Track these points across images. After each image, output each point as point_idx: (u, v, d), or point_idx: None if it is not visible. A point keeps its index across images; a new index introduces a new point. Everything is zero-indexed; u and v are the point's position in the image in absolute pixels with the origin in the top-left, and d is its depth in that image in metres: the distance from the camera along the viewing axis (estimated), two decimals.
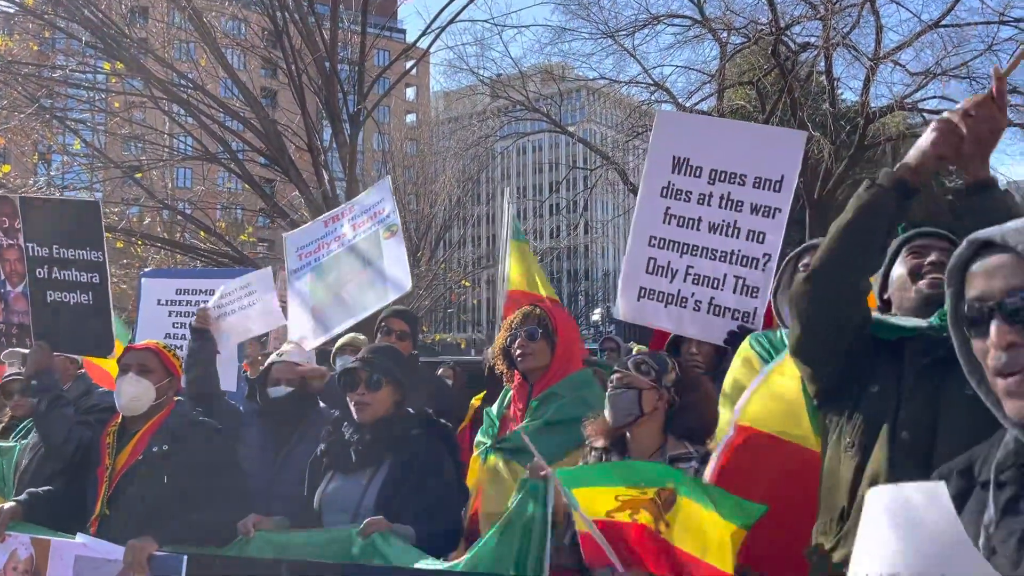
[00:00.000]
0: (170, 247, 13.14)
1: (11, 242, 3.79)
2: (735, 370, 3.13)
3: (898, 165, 2.13)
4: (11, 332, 3.82)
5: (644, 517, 2.40)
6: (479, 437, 3.49)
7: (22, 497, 3.42)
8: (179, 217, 14.66)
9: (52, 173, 14.24)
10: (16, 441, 4.22)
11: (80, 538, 3.14)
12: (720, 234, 3.89)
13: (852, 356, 2.18)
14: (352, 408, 3.23)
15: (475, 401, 4.85)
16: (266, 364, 4.04)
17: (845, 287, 2.14)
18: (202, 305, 3.96)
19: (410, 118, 46.01)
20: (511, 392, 3.53)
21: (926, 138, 2.06)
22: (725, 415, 3.04)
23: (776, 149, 3.87)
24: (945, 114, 2.08)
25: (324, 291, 4.43)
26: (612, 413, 2.81)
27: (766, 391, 2.61)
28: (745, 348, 3.12)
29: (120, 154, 15.98)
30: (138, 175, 13.55)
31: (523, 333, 3.45)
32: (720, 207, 3.90)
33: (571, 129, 23.58)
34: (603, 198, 44.73)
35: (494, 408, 3.56)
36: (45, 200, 4.72)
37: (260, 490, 3.49)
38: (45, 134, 13.47)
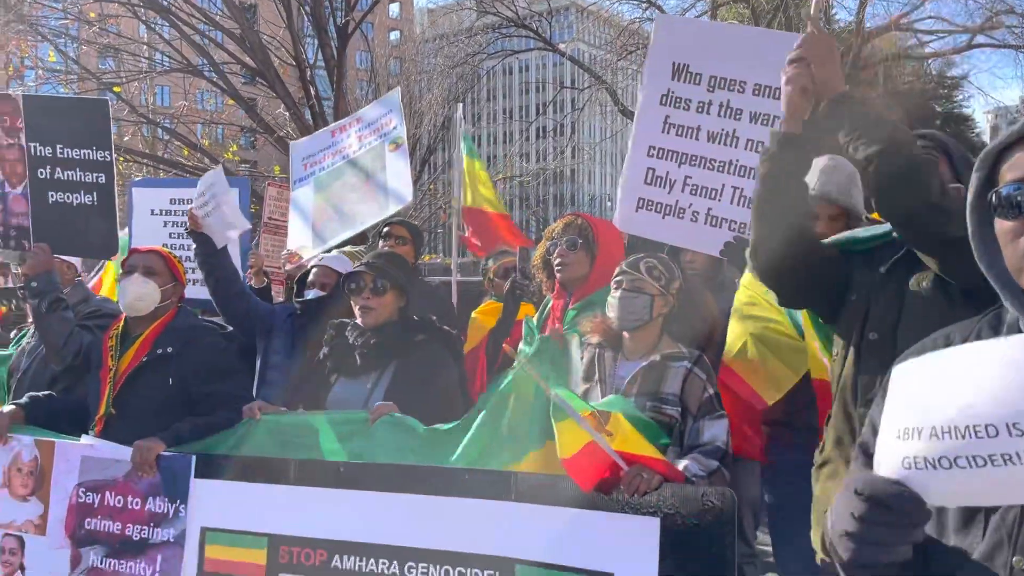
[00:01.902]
0: (154, 163, 12.92)
1: (11, 141, 3.71)
2: (744, 286, 3.19)
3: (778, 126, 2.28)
4: (9, 234, 3.76)
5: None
6: (521, 346, 3.52)
7: (23, 400, 3.45)
8: (160, 133, 14.38)
9: (28, 86, 13.85)
10: (15, 348, 4.24)
11: (86, 439, 3.20)
12: (719, 143, 3.87)
13: (825, 280, 2.29)
14: (357, 312, 3.27)
15: (476, 314, 4.84)
16: (309, 267, 4.10)
17: (782, 255, 2.21)
18: (189, 208, 3.90)
19: (393, 35, 44.83)
20: (551, 302, 3.56)
21: (783, 87, 2.24)
22: (737, 328, 3.12)
23: (777, 54, 3.80)
24: (787, 65, 2.25)
25: (324, 202, 4.41)
26: (620, 315, 2.83)
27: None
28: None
29: (96, 68, 15.53)
30: (116, 89, 13.21)
31: (563, 243, 3.44)
32: (719, 115, 3.87)
33: (561, 47, 23.12)
34: (591, 121, 44.23)
35: (534, 318, 3.59)
36: (51, 98, 4.62)
37: (282, 388, 3.55)
38: (20, 46, 13.06)
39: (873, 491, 1.11)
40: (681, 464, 2.47)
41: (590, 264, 3.44)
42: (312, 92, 11.50)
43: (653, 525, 2.28)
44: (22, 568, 3.16)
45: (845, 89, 2.16)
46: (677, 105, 3.94)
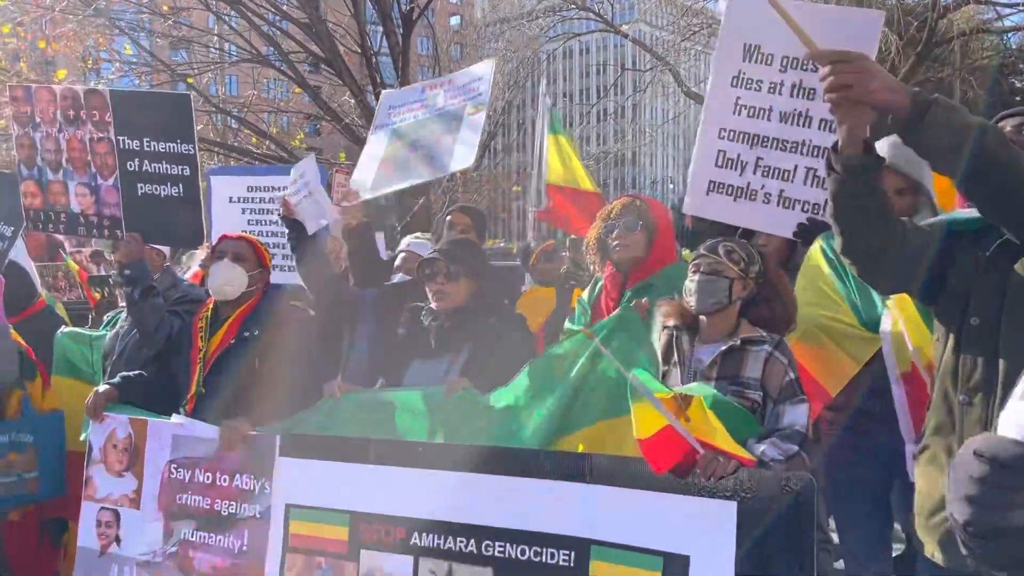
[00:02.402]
0: (225, 151, 13.27)
1: (102, 135, 3.87)
2: (804, 270, 3.16)
3: (834, 145, 2.07)
4: (103, 224, 3.94)
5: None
6: (568, 324, 3.56)
7: (116, 380, 3.62)
8: (230, 122, 14.74)
9: (106, 78, 14.35)
10: (105, 331, 4.44)
11: (176, 418, 3.34)
12: (791, 124, 3.81)
13: (922, 263, 2.17)
14: (431, 297, 3.35)
15: (520, 303, 4.89)
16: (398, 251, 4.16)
17: (873, 252, 2.13)
18: (282, 195, 4.02)
19: (454, 20, 44.94)
20: (602, 281, 3.57)
21: (838, 115, 2.01)
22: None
23: (851, 32, 3.71)
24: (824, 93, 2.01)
25: (395, 150, 4.39)
26: (699, 299, 2.82)
27: None
28: (815, 251, 3.13)
29: (169, 59, 15.99)
30: (188, 80, 13.58)
31: (621, 224, 3.41)
32: (792, 96, 3.81)
33: (623, 28, 22.85)
34: (653, 103, 43.64)
35: (585, 296, 3.62)
36: (136, 93, 4.78)
37: (365, 370, 3.66)
38: (98, 40, 13.51)
39: (995, 452, 1.07)
40: (759, 448, 2.47)
41: (647, 246, 3.42)
42: (377, 79, 11.65)
43: (730, 509, 2.28)
44: (118, 540, 3.33)
45: (915, 97, 1.92)
46: (748, 86, 3.89)
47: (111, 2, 12.96)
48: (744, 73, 3.90)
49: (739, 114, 3.92)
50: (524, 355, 3.37)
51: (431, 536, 2.73)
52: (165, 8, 13.70)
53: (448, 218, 4.49)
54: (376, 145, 4.45)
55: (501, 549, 2.63)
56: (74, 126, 3.93)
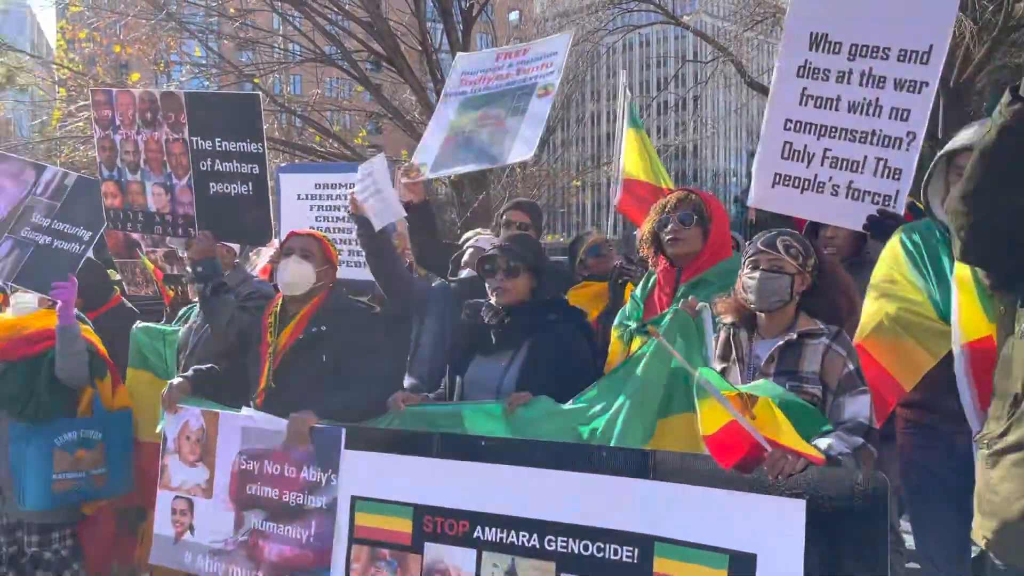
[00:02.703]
0: (290, 149, 13.54)
1: (176, 136, 4.00)
2: (882, 262, 3.06)
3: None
4: (178, 223, 4.08)
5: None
6: (619, 319, 3.54)
7: (189, 373, 3.73)
8: (296, 121, 15.02)
9: (178, 80, 14.78)
10: (178, 326, 4.59)
11: (246, 411, 3.43)
12: (860, 113, 3.72)
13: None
14: (491, 293, 3.36)
15: (570, 295, 4.84)
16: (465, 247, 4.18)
17: (1001, 207, 2.02)
18: (350, 192, 4.08)
19: (513, 16, 44.96)
20: (655, 276, 3.53)
21: None
22: (872, 306, 3.00)
23: (924, 16, 3.62)
24: None
25: (459, 127, 4.33)
26: (760, 297, 2.76)
27: None
28: (894, 243, 3.03)
29: (236, 60, 16.38)
30: (255, 80, 13.89)
31: (676, 218, 3.35)
32: (861, 84, 3.72)
33: (684, 19, 22.55)
34: (715, 94, 43.01)
35: (638, 290, 3.59)
36: (208, 95, 4.92)
37: (430, 365, 3.72)
38: (169, 43, 13.91)
39: None
40: (824, 443, 2.41)
41: (702, 241, 3.36)
42: (437, 76, 11.73)
43: (799, 507, 2.24)
44: (191, 528, 3.43)
45: None
46: (815, 76, 3.82)
47: (181, 6, 13.33)
48: (811, 62, 3.82)
49: (806, 104, 3.85)
50: (585, 352, 3.38)
51: (494, 530, 2.74)
52: (232, 11, 14.05)
53: (504, 215, 4.48)
54: (443, 118, 4.42)
55: (564, 544, 2.63)
56: (151, 128, 4.07)
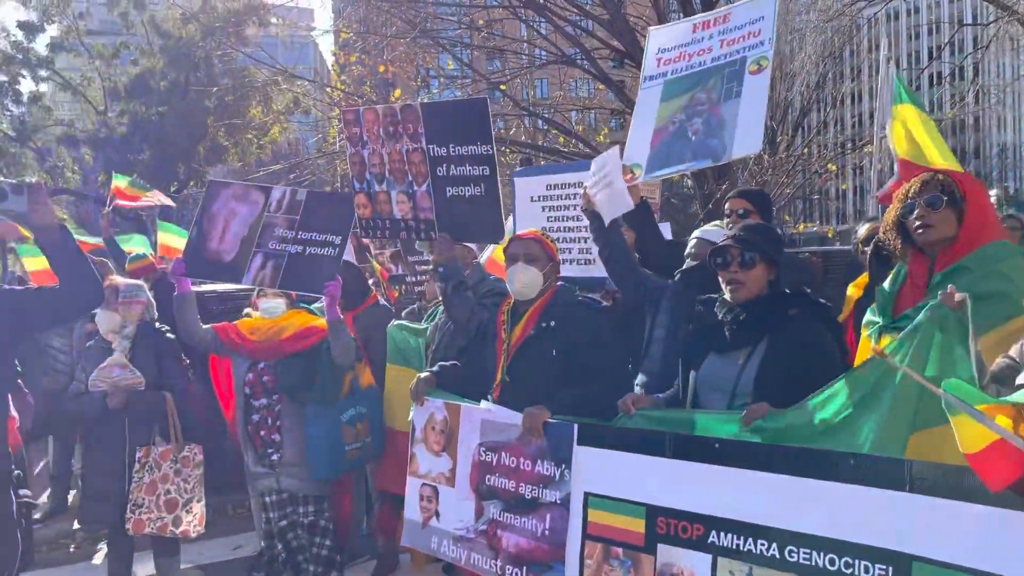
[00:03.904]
0: (535, 151, 13.95)
1: (416, 146, 4.28)
2: None
3: None
4: (420, 227, 4.38)
5: (1003, 421, 2.03)
6: (869, 316, 3.21)
7: (434, 368, 3.97)
8: (539, 123, 15.43)
9: (433, 93, 15.80)
10: (428, 324, 4.91)
11: (485, 404, 3.57)
12: None
13: None
14: (725, 288, 3.20)
15: (852, 290, 4.48)
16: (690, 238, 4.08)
17: None
18: (584, 188, 4.12)
19: None
20: (904, 268, 3.18)
21: None
22: None
23: None
24: None
25: (667, 117, 3.99)
26: None
27: None
28: None
29: (485, 69, 17.16)
30: (503, 87, 14.47)
31: (922, 203, 3.01)
32: None
33: None
34: (999, 59, 38.18)
35: (887, 285, 3.24)
36: (440, 103, 5.19)
37: (662, 363, 3.66)
38: (425, 58, 14.89)
39: None
40: None
41: (956, 224, 2.95)
42: None
43: None
44: (437, 514, 3.64)
45: None
46: None
47: (435, 23, 14.23)
48: None
49: None
50: (831, 350, 3.10)
51: (730, 536, 2.63)
52: (480, 22, 14.74)
53: (726, 205, 4.21)
54: (648, 106, 4.13)
55: (807, 556, 2.45)
56: (394, 140, 4.37)
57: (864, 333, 3.16)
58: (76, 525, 6.88)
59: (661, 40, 4.32)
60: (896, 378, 2.63)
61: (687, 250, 3.94)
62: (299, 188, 4.65)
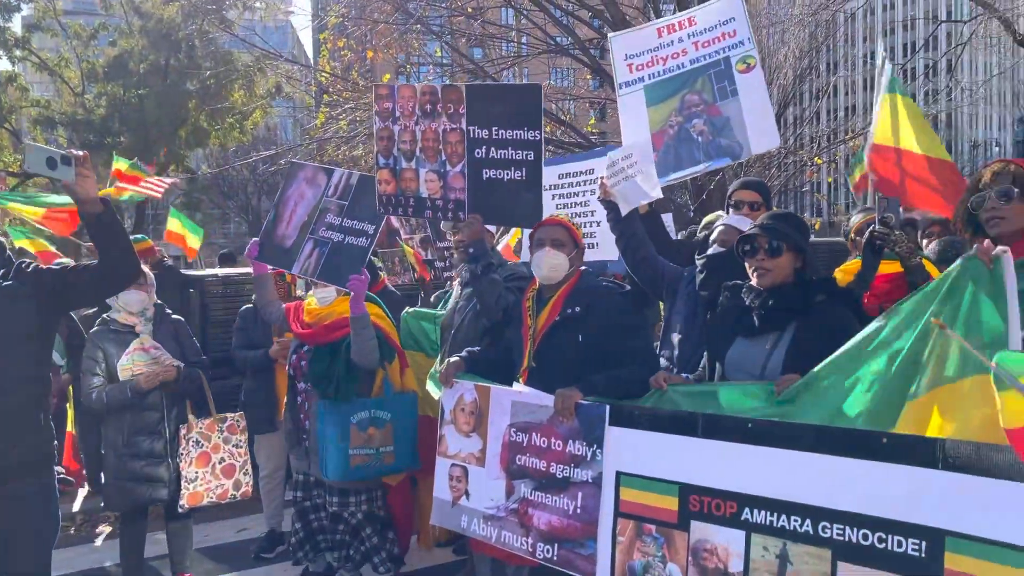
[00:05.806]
0: None
1: (454, 126, 4.25)
2: None
3: None
4: (448, 207, 4.34)
5: None
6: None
7: (463, 353, 4.01)
8: None
9: (422, 80, 15.76)
10: (443, 308, 4.97)
11: (516, 386, 3.64)
12: None
13: None
14: (752, 275, 3.30)
15: (837, 272, 4.59)
16: (715, 225, 4.13)
17: None
18: (601, 178, 4.17)
19: None
20: None
21: None
22: None
23: None
24: None
25: (662, 120, 4.03)
26: None
27: None
28: None
29: (473, 57, 17.12)
30: (493, 76, 14.46)
31: (993, 194, 2.96)
32: None
33: None
34: (973, 57, 38.75)
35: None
36: (490, 86, 5.17)
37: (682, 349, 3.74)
38: (413, 44, 14.84)
39: None
40: None
41: None
42: None
43: None
44: (467, 494, 3.71)
45: None
46: None
47: (425, 10, 14.18)
48: None
49: None
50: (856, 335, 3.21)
51: (763, 513, 2.70)
52: (469, 9, 14.71)
53: (733, 197, 4.29)
54: (635, 109, 4.15)
55: (840, 532, 2.54)
56: (430, 118, 4.34)
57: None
58: (75, 508, 6.88)
59: (627, 46, 4.37)
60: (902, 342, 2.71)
61: (713, 236, 4.02)
62: (355, 172, 4.62)
